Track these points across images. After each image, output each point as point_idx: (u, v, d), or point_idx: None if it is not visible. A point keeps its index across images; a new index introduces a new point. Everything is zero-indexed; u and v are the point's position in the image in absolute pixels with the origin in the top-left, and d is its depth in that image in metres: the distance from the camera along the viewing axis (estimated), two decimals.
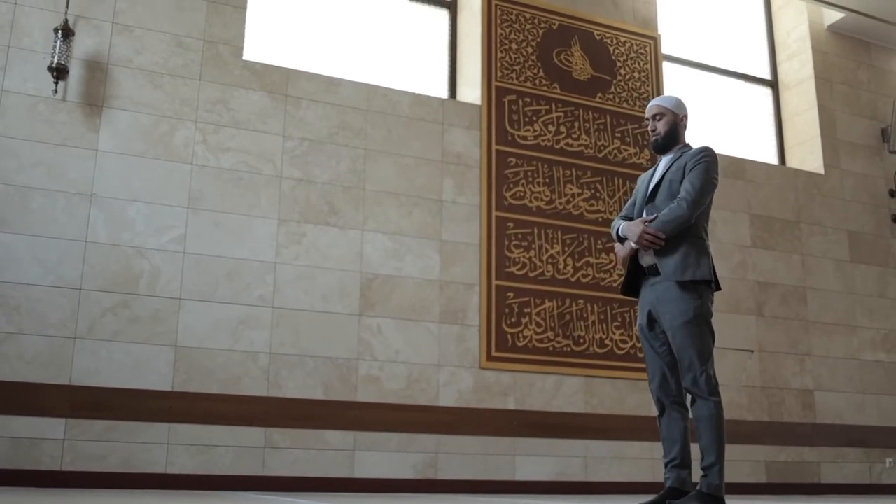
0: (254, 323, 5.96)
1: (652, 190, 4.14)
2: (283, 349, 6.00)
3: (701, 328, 3.89)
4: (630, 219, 4.24)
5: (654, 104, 4.25)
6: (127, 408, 5.52)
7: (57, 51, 5.72)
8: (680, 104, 4.24)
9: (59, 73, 5.72)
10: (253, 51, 6.63)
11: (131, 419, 5.52)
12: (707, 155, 4.07)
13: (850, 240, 8.50)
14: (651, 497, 4.09)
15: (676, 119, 4.20)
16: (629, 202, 4.35)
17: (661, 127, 4.20)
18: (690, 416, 4.00)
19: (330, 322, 6.17)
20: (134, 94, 5.98)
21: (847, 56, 9.04)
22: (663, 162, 4.21)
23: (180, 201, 5.94)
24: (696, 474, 3.91)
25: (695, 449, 3.95)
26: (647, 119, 4.26)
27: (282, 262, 6.12)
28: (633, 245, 4.06)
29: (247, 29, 6.55)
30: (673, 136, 4.20)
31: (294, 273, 6.14)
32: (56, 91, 5.73)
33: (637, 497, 5.43)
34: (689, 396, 3.97)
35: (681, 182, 4.04)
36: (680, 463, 3.96)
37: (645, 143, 7.56)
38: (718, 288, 4.04)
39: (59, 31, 5.73)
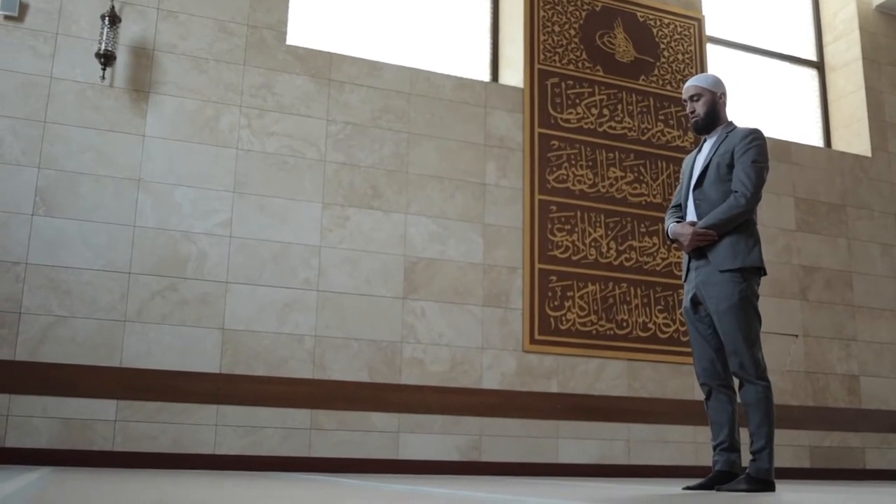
0: (299, 306, 6.01)
1: (699, 174, 4.08)
2: (328, 332, 6.05)
3: (746, 311, 3.85)
4: (679, 206, 4.20)
5: (690, 85, 4.15)
6: (176, 389, 5.61)
7: (104, 37, 5.78)
8: (717, 82, 4.14)
9: (107, 59, 5.79)
10: (296, 35, 6.66)
11: (180, 401, 5.61)
12: (756, 138, 3.98)
13: None
14: (698, 480, 4.09)
15: (715, 98, 4.11)
16: (678, 188, 4.29)
17: (700, 108, 4.11)
18: (738, 399, 3.98)
19: (374, 305, 6.21)
20: (179, 80, 6.03)
21: None
22: (708, 143, 4.13)
23: (226, 185, 5.99)
24: (746, 458, 3.90)
25: (744, 433, 3.94)
26: (685, 100, 4.18)
27: (326, 245, 6.16)
28: (686, 252, 4.03)
29: (290, 13, 6.58)
30: (713, 116, 4.11)
31: (338, 256, 6.18)
32: (103, 77, 5.80)
33: (680, 480, 5.42)
34: (737, 380, 3.95)
35: (728, 166, 3.97)
36: (728, 446, 3.94)
37: (689, 125, 7.50)
38: (765, 273, 3.99)
39: (106, 18, 5.79)
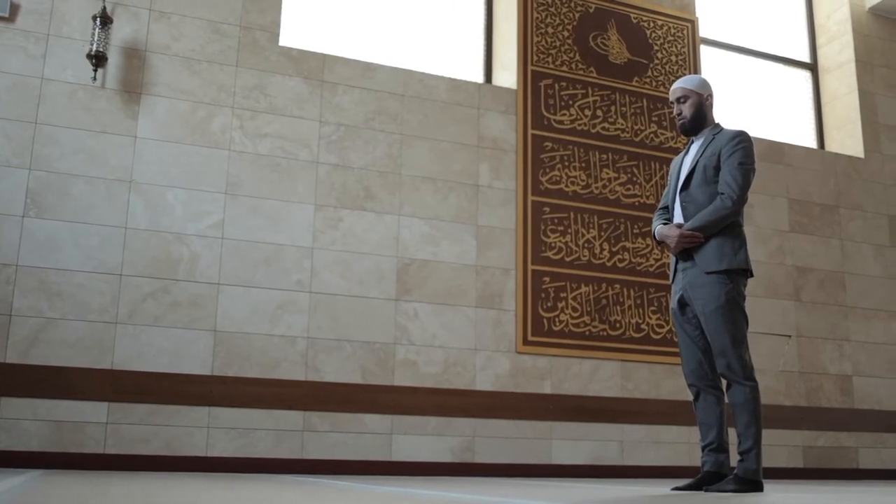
0: (292, 307, 6.00)
1: (686, 176, 4.10)
2: (320, 333, 6.05)
3: (733, 312, 3.86)
4: (667, 208, 4.21)
5: (676, 87, 4.17)
6: (168, 392, 5.60)
7: (95, 38, 5.77)
8: (703, 83, 4.16)
9: (98, 60, 5.78)
10: (289, 36, 6.65)
11: (172, 403, 5.60)
12: (742, 140, 4.00)
13: (891, 224, 8.39)
14: (688, 480, 4.09)
15: (701, 100, 4.13)
16: (666, 190, 4.31)
17: (687, 110, 4.13)
18: (726, 399, 3.98)
19: (367, 307, 6.21)
20: (171, 81, 6.03)
21: (889, 38, 8.90)
22: (695, 146, 4.15)
23: (218, 187, 5.99)
24: (734, 458, 3.90)
25: (732, 433, 3.94)
26: (672, 102, 4.20)
27: (319, 247, 6.16)
28: (673, 253, 4.04)
29: (283, 15, 6.58)
30: (700, 118, 4.13)
31: (331, 258, 6.18)
32: (95, 78, 5.79)
33: (674, 481, 5.42)
34: (724, 381, 3.96)
35: (715, 168, 3.99)
36: (717, 447, 3.95)
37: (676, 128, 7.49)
38: (751, 275, 4.00)
39: (98, 19, 5.78)
